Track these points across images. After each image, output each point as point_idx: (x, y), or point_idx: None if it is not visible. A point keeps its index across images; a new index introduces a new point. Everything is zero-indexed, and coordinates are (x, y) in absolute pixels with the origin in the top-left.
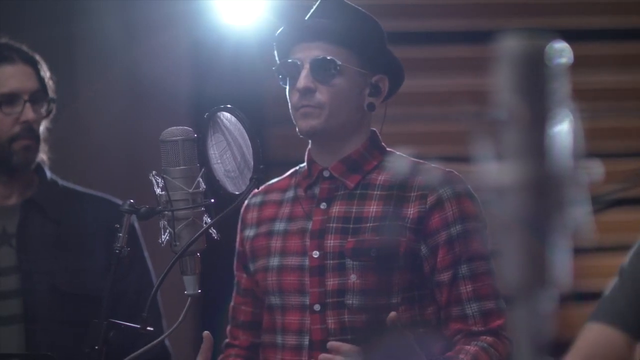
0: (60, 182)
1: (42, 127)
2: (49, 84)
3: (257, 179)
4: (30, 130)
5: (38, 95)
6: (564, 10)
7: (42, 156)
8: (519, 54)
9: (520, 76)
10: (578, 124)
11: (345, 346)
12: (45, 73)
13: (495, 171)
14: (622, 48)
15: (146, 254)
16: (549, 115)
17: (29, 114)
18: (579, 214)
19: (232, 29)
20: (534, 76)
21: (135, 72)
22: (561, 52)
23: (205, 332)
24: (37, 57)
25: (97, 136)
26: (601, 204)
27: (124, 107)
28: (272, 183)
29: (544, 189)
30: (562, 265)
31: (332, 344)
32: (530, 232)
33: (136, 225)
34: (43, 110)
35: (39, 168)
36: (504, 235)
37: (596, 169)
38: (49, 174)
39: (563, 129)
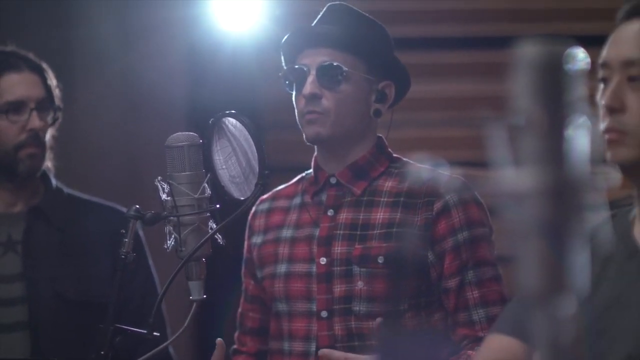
0: (66, 190)
1: (49, 135)
2: (55, 92)
3: (263, 184)
4: (36, 138)
5: (44, 104)
6: (559, 16)
7: (48, 164)
8: (537, 59)
9: (538, 82)
10: (595, 129)
11: (336, 353)
12: (52, 81)
13: (512, 177)
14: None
15: (150, 261)
16: (566, 121)
17: (35, 122)
18: (597, 219)
19: (229, 34)
20: (552, 82)
21: (132, 78)
22: (579, 57)
23: (218, 340)
24: (44, 66)
25: (94, 141)
26: (618, 209)
27: (120, 112)
28: (279, 190)
29: (561, 195)
30: (580, 270)
31: (322, 352)
32: (548, 237)
33: (140, 232)
34: (49, 118)
35: (45, 176)
36: (522, 241)
37: (613, 175)
38: (54, 181)
39: (581, 135)
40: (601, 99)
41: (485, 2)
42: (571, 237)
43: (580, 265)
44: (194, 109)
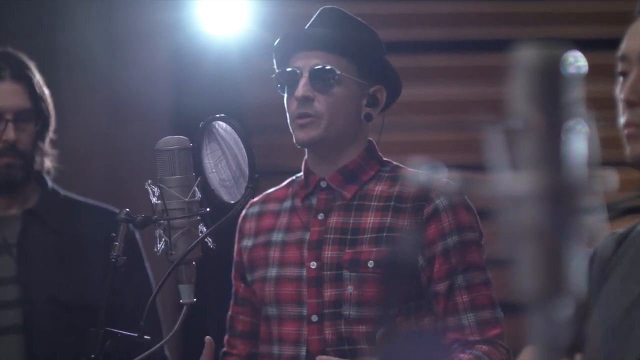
0: (62, 192)
1: (46, 140)
2: (43, 100)
3: (253, 188)
4: (12, 149)
5: (25, 114)
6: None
7: (48, 165)
8: (535, 63)
9: (536, 85)
10: (593, 132)
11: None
12: (39, 89)
13: (510, 180)
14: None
15: (147, 264)
16: (564, 125)
17: (9, 133)
18: (594, 222)
19: (214, 38)
20: (550, 85)
21: (117, 81)
22: (577, 61)
23: (207, 338)
24: (31, 74)
25: (78, 144)
26: (616, 212)
27: (105, 116)
28: (269, 193)
29: (559, 198)
30: (578, 273)
31: (320, 358)
32: (545, 240)
33: (137, 235)
34: (31, 128)
35: (40, 178)
36: (519, 245)
37: (611, 178)
38: (50, 184)
39: (578, 138)
40: (620, 93)
41: (472, 5)
42: (569, 239)
43: (578, 267)
44: (179, 112)
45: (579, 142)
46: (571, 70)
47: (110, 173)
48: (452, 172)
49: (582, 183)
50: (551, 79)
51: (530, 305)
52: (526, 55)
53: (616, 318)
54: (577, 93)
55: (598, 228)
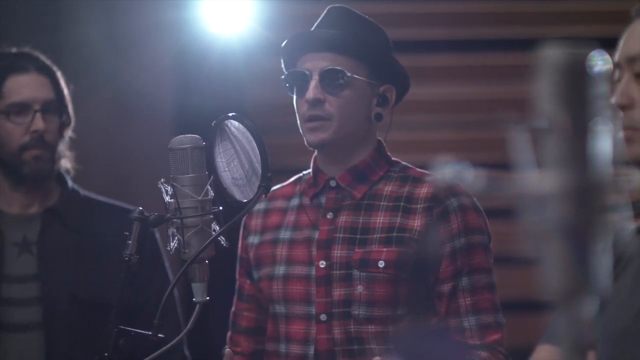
0: (82, 192)
1: (65, 137)
2: (65, 94)
3: (266, 186)
4: (40, 140)
5: (50, 105)
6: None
7: (66, 165)
8: (560, 62)
9: (561, 85)
10: (618, 131)
11: None
12: (62, 83)
13: (536, 179)
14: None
15: (167, 263)
16: (589, 124)
17: (38, 123)
18: (620, 221)
19: (218, 37)
20: (575, 85)
21: (121, 81)
22: (602, 60)
23: (227, 350)
24: (55, 68)
25: (82, 144)
26: None
27: (109, 115)
28: (275, 190)
29: (585, 197)
30: (603, 272)
31: None
32: (570, 239)
33: (157, 235)
34: (57, 120)
35: (61, 177)
36: (545, 244)
37: (635, 176)
38: (70, 183)
39: (603, 137)
40: (612, 98)
41: (472, 5)
42: (594, 239)
43: (603, 266)
44: (183, 112)
45: (604, 141)
46: (596, 69)
47: (114, 172)
48: (478, 171)
49: (607, 182)
50: (576, 78)
51: (555, 304)
52: (551, 55)
53: (627, 319)
54: (602, 92)
55: (623, 227)
